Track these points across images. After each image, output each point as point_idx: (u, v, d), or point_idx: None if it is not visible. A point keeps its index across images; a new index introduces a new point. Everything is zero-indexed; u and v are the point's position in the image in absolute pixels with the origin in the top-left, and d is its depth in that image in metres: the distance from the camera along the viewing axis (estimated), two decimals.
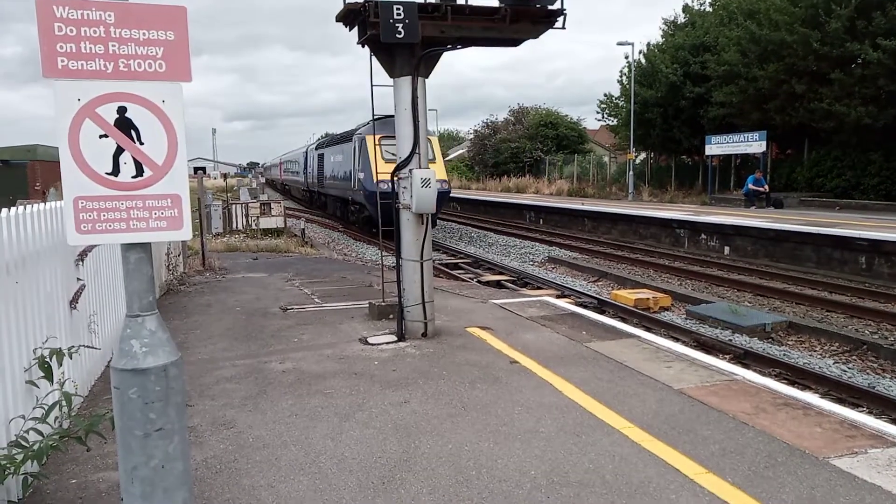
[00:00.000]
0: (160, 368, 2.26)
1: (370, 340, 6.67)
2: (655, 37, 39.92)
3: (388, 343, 6.58)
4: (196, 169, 14.08)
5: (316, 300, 9.08)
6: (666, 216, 19.56)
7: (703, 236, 17.75)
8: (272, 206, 21.63)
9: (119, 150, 2.29)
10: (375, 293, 8.95)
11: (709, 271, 14.51)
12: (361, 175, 19.30)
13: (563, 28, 7.01)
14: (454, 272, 14.69)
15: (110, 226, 2.29)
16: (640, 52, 31.77)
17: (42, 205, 4.26)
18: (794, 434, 4.15)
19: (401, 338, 6.69)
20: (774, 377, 6.79)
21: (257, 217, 20.76)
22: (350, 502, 3.41)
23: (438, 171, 17.93)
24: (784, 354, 8.33)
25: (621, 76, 33.02)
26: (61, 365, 3.75)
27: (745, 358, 7.91)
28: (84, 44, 2.22)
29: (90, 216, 2.26)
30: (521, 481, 3.61)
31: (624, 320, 9.20)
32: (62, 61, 2.20)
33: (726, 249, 16.81)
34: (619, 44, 29.92)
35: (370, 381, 5.37)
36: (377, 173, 12.22)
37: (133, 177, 2.31)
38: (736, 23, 25.22)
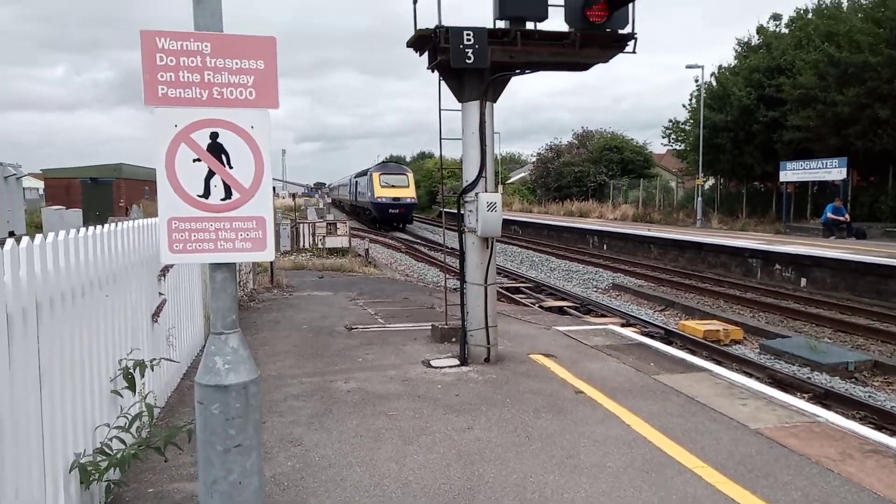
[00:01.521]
0: (241, 385, 2.33)
1: (433, 363, 6.68)
2: (727, 59, 38.92)
3: (450, 367, 6.57)
4: None
5: (379, 320, 9.18)
6: (737, 244, 18.85)
7: (778, 267, 16.99)
8: (338, 226, 22.12)
9: (210, 174, 2.40)
10: (437, 315, 8.97)
11: (784, 304, 13.85)
12: (370, 193, 36.45)
13: (634, 52, 6.92)
14: (515, 296, 14.58)
15: (200, 246, 2.39)
16: (710, 75, 31.07)
17: (130, 222, 4.50)
18: (884, 484, 3.87)
19: (463, 362, 6.66)
20: (859, 420, 6.37)
21: (323, 236, 21.26)
22: None
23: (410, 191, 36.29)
24: (869, 396, 7.82)
25: (690, 100, 32.33)
26: (143, 376, 3.92)
27: (825, 398, 7.47)
28: (182, 73, 2.35)
29: (182, 236, 2.37)
30: None
31: (693, 352, 8.87)
32: (162, 90, 2.33)
33: (803, 281, 16.03)
34: (689, 67, 29.32)
35: (433, 405, 5.36)
36: (377, 192, 33.47)
37: (222, 199, 2.41)
38: (813, 45, 24.32)
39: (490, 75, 6.57)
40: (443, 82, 6.86)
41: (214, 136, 2.40)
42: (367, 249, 21.30)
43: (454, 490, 3.82)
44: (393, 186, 35.47)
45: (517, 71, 6.87)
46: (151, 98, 2.33)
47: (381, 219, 35.25)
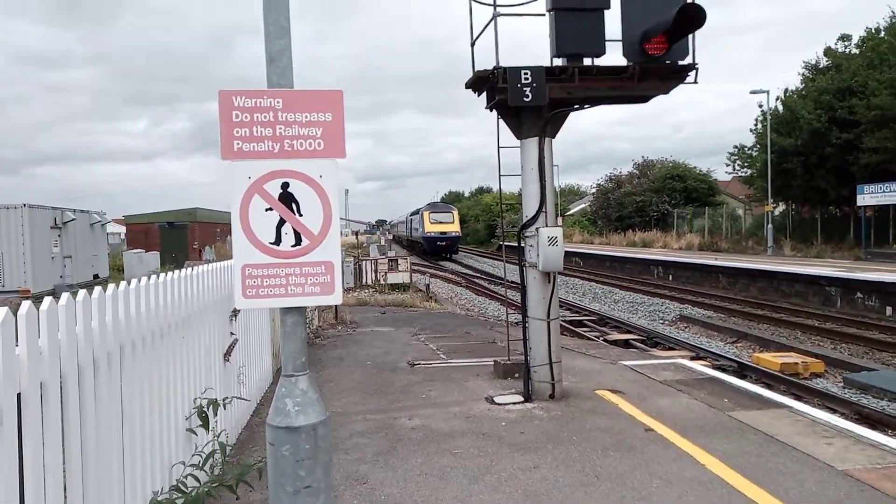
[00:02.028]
0: (310, 427, 2.39)
1: (497, 400, 6.61)
2: (792, 83, 37.76)
3: (514, 403, 6.49)
4: None
5: (441, 356, 9.19)
6: (813, 272, 17.98)
7: (860, 295, 16.07)
8: (399, 261, 22.43)
9: (281, 222, 2.51)
10: (499, 350, 8.91)
11: (868, 334, 13.05)
12: (421, 229, 43.24)
13: (696, 82, 6.83)
14: (579, 330, 14.33)
15: (271, 291, 2.49)
16: (776, 99, 30.15)
17: (203, 266, 4.72)
18: None
19: (527, 398, 6.57)
20: None
21: (385, 272, 21.58)
22: None
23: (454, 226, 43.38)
24: None
25: (756, 124, 31.40)
26: (216, 414, 4.06)
27: None
28: (256, 128, 2.49)
29: (255, 282, 2.48)
30: None
31: (769, 387, 8.45)
32: (237, 144, 2.48)
33: (888, 310, 15.08)
34: (753, 92, 28.57)
35: (498, 443, 5.30)
36: (427, 228, 41.55)
37: (292, 246, 2.51)
38: (888, 64, 23.30)
39: (548, 112, 6.62)
40: (501, 120, 6.94)
41: (285, 185, 2.51)
42: (428, 284, 21.46)
43: None
44: (441, 223, 42.56)
45: (576, 107, 6.89)
46: (228, 153, 2.48)
47: (431, 250, 42.10)
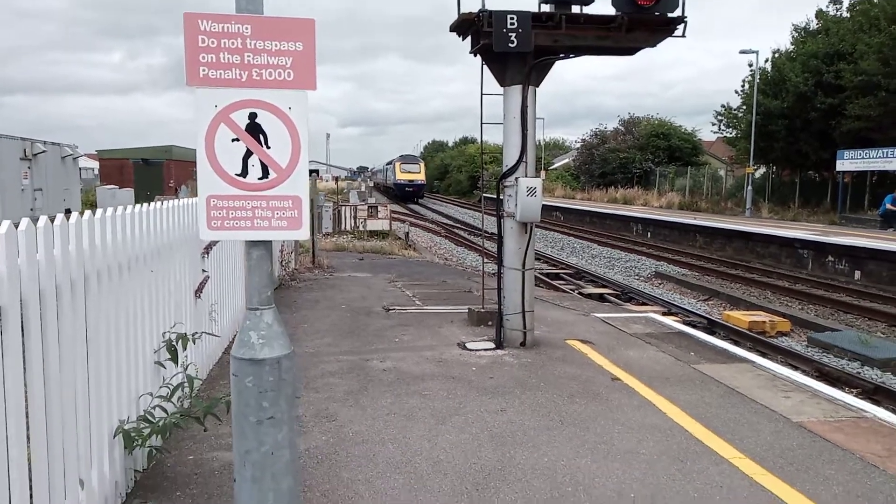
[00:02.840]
0: (274, 360, 2.39)
1: (468, 346, 6.71)
2: (783, 45, 37.41)
3: (486, 350, 6.59)
4: (310, 171, 14.87)
5: (417, 302, 9.25)
6: (788, 235, 18.25)
7: (831, 259, 16.40)
8: (379, 209, 22.32)
9: (248, 154, 2.45)
10: (475, 299, 8.99)
11: (835, 296, 13.38)
12: (393, 176, 51.66)
13: (683, 36, 6.72)
14: (555, 282, 14.48)
15: (237, 223, 2.45)
16: (765, 61, 29.94)
17: (175, 201, 4.64)
18: None
19: (499, 345, 6.68)
20: None
21: (365, 219, 21.48)
22: None
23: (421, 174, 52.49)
24: None
25: (743, 85, 31.24)
26: (185, 349, 4.07)
27: (875, 393, 7.22)
28: (223, 54, 2.40)
29: (220, 213, 2.44)
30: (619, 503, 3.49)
31: (737, 343, 8.67)
32: (203, 71, 2.39)
33: (857, 274, 15.43)
34: (742, 52, 28.36)
35: (467, 387, 5.40)
36: (398, 176, 50.66)
37: (259, 178, 2.46)
38: (878, 28, 23.14)
39: (533, 60, 6.50)
40: (485, 67, 6.80)
41: (253, 116, 2.44)
42: (408, 233, 21.44)
43: (485, 470, 3.85)
44: (409, 172, 51.12)
45: (561, 55, 6.77)
46: (193, 78, 2.39)
47: (401, 195, 50.33)
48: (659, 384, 5.51)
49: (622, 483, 3.71)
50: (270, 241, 2.56)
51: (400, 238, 20.85)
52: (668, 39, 6.78)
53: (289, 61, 2.46)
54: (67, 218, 2.84)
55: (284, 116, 2.46)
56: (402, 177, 50.73)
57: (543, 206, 6.84)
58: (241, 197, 2.45)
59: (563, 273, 16.06)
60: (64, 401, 2.69)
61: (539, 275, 14.12)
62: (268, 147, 2.46)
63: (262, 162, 2.46)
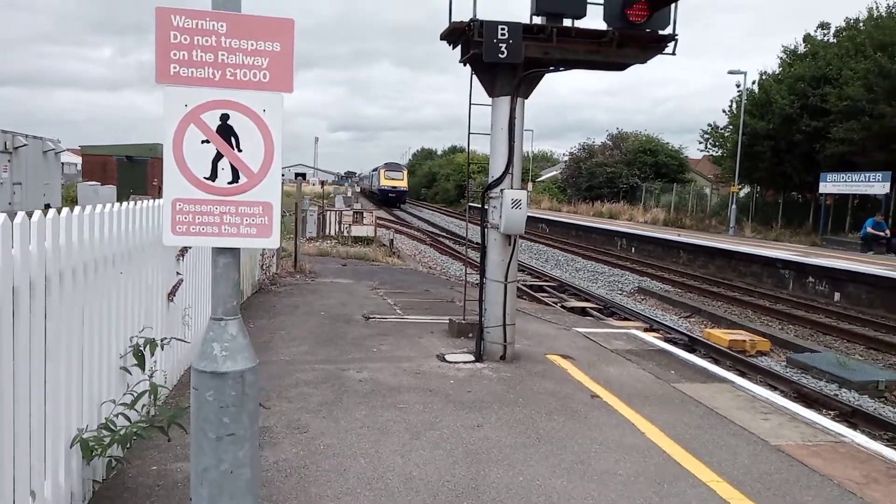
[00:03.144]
0: (237, 374, 2.29)
1: (448, 358, 6.61)
2: (771, 67, 37.92)
3: (465, 362, 6.49)
4: (297, 174, 14.73)
5: (398, 311, 9.14)
6: (770, 254, 18.37)
7: (811, 279, 16.52)
8: (364, 215, 22.18)
9: (218, 156, 2.35)
10: (457, 309, 8.90)
11: (815, 317, 13.45)
12: (378, 182, 54.62)
13: (674, 54, 6.72)
14: (538, 294, 14.43)
15: (203, 229, 2.35)
16: (753, 82, 30.30)
17: (150, 201, 4.51)
18: None
19: (478, 358, 6.58)
20: (887, 442, 6.13)
21: (350, 224, 21.33)
22: None
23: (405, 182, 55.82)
24: None
25: (730, 105, 31.58)
26: (154, 355, 3.93)
27: (852, 416, 7.21)
28: (196, 52, 2.30)
29: (186, 218, 2.33)
30: None
31: (716, 362, 8.65)
32: (174, 68, 2.29)
33: (836, 295, 15.55)
34: (731, 72, 28.56)
35: (444, 400, 5.30)
36: (382, 182, 53.46)
37: (229, 182, 2.36)
38: (864, 55, 23.50)
39: (523, 71, 6.45)
40: (474, 76, 6.75)
41: (225, 117, 2.35)
42: (392, 240, 21.32)
43: (458, 489, 3.75)
44: (393, 179, 54.02)
45: (551, 68, 6.73)
46: (163, 76, 2.29)
47: (384, 200, 52.95)
48: (638, 403, 5.45)
49: None
50: (238, 249, 2.45)
51: (384, 245, 20.72)
52: (659, 57, 6.78)
53: (265, 62, 2.37)
54: (45, 213, 2.73)
55: (258, 119, 2.37)
56: (385, 183, 53.63)
57: (529, 217, 6.79)
58: (209, 202, 2.35)
59: (547, 285, 16.02)
60: (17, 408, 2.56)
61: (522, 286, 14.07)
62: (239, 150, 2.36)
63: (232, 166, 2.36)
